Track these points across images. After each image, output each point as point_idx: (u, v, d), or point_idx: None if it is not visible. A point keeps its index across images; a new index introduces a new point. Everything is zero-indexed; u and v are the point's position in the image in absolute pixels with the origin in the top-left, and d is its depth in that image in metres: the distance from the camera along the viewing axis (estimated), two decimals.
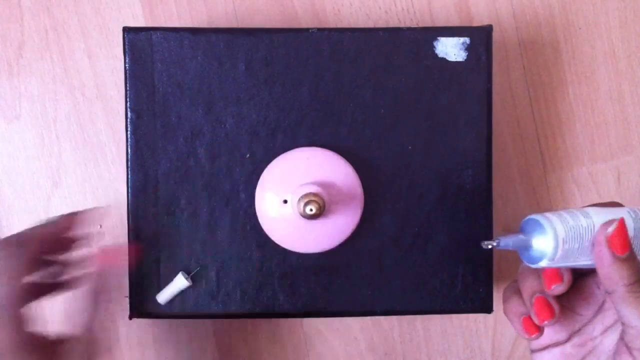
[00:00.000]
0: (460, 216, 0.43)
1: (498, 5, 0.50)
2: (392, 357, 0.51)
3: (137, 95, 0.43)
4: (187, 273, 0.43)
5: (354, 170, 0.42)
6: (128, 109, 0.43)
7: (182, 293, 0.43)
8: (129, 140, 0.43)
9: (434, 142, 0.43)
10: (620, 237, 0.30)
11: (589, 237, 0.32)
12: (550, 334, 0.36)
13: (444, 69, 0.43)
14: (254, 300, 0.43)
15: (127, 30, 0.43)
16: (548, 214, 0.33)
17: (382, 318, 0.51)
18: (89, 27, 0.50)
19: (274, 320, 0.50)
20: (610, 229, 0.31)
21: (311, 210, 0.38)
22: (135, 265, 0.43)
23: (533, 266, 0.33)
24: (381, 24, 0.50)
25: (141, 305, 0.43)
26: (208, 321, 0.51)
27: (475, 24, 0.50)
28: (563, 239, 0.31)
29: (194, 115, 0.43)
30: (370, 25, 0.49)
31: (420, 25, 0.49)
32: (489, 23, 0.44)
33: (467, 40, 0.43)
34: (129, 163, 0.43)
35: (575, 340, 0.36)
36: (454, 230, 0.43)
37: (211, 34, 0.43)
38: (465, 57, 0.43)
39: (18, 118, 0.50)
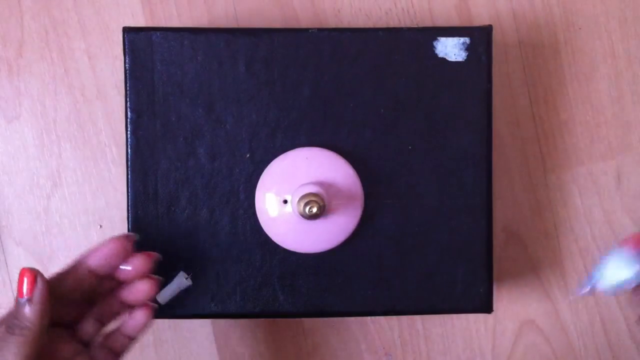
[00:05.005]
0: (460, 216, 0.43)
1: (498, 5, 0.50)
2: (392, 357, 0.51)
3: (137, 95, 0.43)
4: (187, 273, 0.43)
5: (354, 170, 0.42)
6: (128, 109, 0.43)
7: (182, 293, 0.43)
8: (129, 140, 0.43)
9: (434, 142, 0.43)
10: None
11: None
12: None
13: (444, 69, 0.43)
14: (254, 300, 0.43)
15: (127, 30, 0.43)
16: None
17: (382, 318, 0.51)
18: (89, 27, 0.50)
19: (274, 320, 0.50)
20: None
21: (311, 210, 0.38)
22: None
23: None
24: (381, 24, 0.50)
25: None
26: (208, 321, 0.51)
27: (475, 24, 0.50)
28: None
29: (194, 115, 0.43)
30: (370, 25, 0.49)
31: (420, 25, 0.49)
32: (489, 23, 0.44)
33: (467, 40, 0.43)
34: (129, 163, 0.43)
35: None
36: (454, 230, 0.43)
37: (211, 34, 0.43)
38: (465, 57, 0.43)
39: (18, 118, 0.50)
